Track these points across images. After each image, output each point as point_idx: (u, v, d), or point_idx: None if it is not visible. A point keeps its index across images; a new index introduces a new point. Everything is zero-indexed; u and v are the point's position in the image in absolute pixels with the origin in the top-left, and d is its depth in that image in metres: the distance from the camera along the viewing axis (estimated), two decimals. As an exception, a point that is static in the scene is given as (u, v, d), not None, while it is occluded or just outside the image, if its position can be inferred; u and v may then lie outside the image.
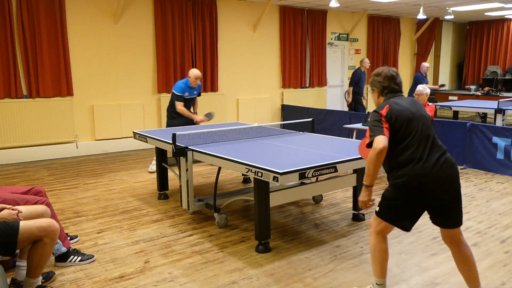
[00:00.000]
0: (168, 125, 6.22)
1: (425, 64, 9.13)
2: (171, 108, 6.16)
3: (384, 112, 2.55)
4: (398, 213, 2.57)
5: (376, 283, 2.69)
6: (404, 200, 2.53)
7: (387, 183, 2.64)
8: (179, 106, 6.03)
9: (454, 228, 2.60)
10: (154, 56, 8.23)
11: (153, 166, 6.30)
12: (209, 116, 6.13)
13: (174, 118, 6.14)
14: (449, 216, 2.57)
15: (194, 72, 6.03)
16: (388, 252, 2.69)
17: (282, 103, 10.22)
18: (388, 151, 2.51)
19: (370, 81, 2.77)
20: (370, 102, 12.11)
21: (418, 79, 8.92)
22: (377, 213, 2.65)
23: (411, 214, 2.57)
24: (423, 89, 6.18)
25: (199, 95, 6.38)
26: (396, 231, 3.95)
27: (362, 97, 9.35)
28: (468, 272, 2.65)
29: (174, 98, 6.07)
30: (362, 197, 2.63)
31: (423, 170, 2.45)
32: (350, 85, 9.41)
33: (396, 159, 2.53)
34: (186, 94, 6.09)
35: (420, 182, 2.46)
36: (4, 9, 6.69)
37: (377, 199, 2.74)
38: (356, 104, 9.38)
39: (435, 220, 2.64)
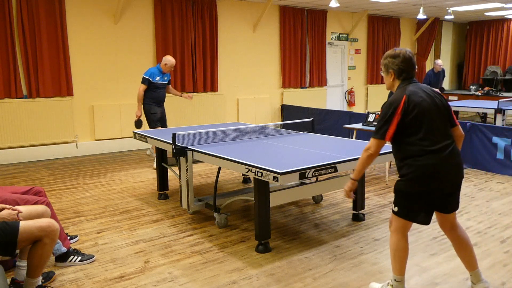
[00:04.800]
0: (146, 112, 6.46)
1: (437, 62, 9.57)
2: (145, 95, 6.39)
3: (401, 107, 2.52)
4: (415, 206, 2.60)
5: (395, 280, 2.72)
6: (420, 191, 2.56)
7: (398, 174, 2.67)
8: (141, 89, 6.28)
9: (452, 213, 2.71)
10: (154, 56, 8.23)
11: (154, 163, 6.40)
12: (138, 123, 6.41)
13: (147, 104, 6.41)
14: (452, 201, 2.68)
15: (173, 61, 6.34)
16: (408, 250, 2.72)
17: (282, 103, 10.22)
18: (404, 142, 2.57)
19: (385, 62, 2.70)
20: (371, 102, 12.13)
21: (429, 76, 9.58)
22: (395, 213, 2.67)
23: (427, 206, 2.62)
24: None
25: (169, 83, 6.63)
26: (396, 231, 3.96)
27: None
28: (469, 255, 2.76)
29: (141, 81, 6.34)
30: (347, 187, 2.76)
31: (438, 159, 2.51)
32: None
33: (412, 149, 2.54)
34: (158, 78, 6.33)
35: (434, 171, 2.51)
36: (4, 9, 6.69)
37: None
38: None
39: (438, 207, 2.69)
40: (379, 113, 2.67)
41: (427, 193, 2.57)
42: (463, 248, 2.77)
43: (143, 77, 6.26)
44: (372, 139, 2.65)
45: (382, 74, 2.77)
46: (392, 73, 2.68)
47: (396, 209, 2.66)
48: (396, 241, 2.68)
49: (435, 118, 2.56)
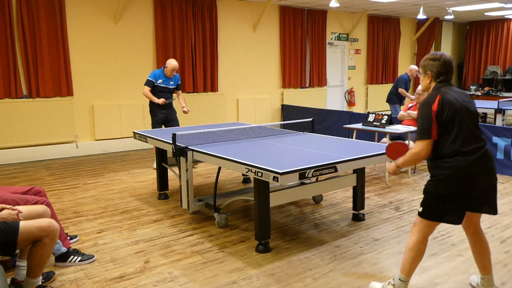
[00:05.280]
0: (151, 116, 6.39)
1: (414, 67, 8.39)
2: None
3: (435, 105, 2.55)
4: (441, 208, 2.58)
5: (400, 279, 2.72)
6: (450, 191, 2.55)
7: (429, 173, 2.66)
8: (145, 90, 6.16)
9: (493, 214, 2.69)
10: (154, 56, 8.23)
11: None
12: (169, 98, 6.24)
13: (152, 110, 6.34)
14: (485, 203, 2.65)
15: (172, 64, 6.17)
16: (424, 255, 2.70)
17: (282, 103, 10.22)
18: (435, 142, 2.57)
19: (424, 64, 2.72)
20: (371, 102, 12.13)
21: (404, 80, 8.32)
22: (420, 213, 2.66)
23: (456, 208, 2.59)
24: None
25: (177, 88, 6.42)
26: (395, 232, 3.96)
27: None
28: (486, 260, 2.79)
29: (145, 83, 6.22)
30: (391, 169, 2.82)
31: (468, 161, 2.51)
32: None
33: (443, 149, 2.55)
34: (160, 81, 6.20)
35: (464, 173, 2.51)
36: (4, 9, 6.69)
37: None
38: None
39: (468, 208, 2.64)
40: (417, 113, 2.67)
41: (456, 195, 2.56)
42: (482, 253, 2.78)
43: (147, 79, 6.17)
44: (419, 143, 2.60)
45: (419, 75, 2.81)
46: (430, 75, 2.70)
47: (421, 209, 2.65)
48: (415, 242, 2.67)
49: (467, 120, 2.56)
